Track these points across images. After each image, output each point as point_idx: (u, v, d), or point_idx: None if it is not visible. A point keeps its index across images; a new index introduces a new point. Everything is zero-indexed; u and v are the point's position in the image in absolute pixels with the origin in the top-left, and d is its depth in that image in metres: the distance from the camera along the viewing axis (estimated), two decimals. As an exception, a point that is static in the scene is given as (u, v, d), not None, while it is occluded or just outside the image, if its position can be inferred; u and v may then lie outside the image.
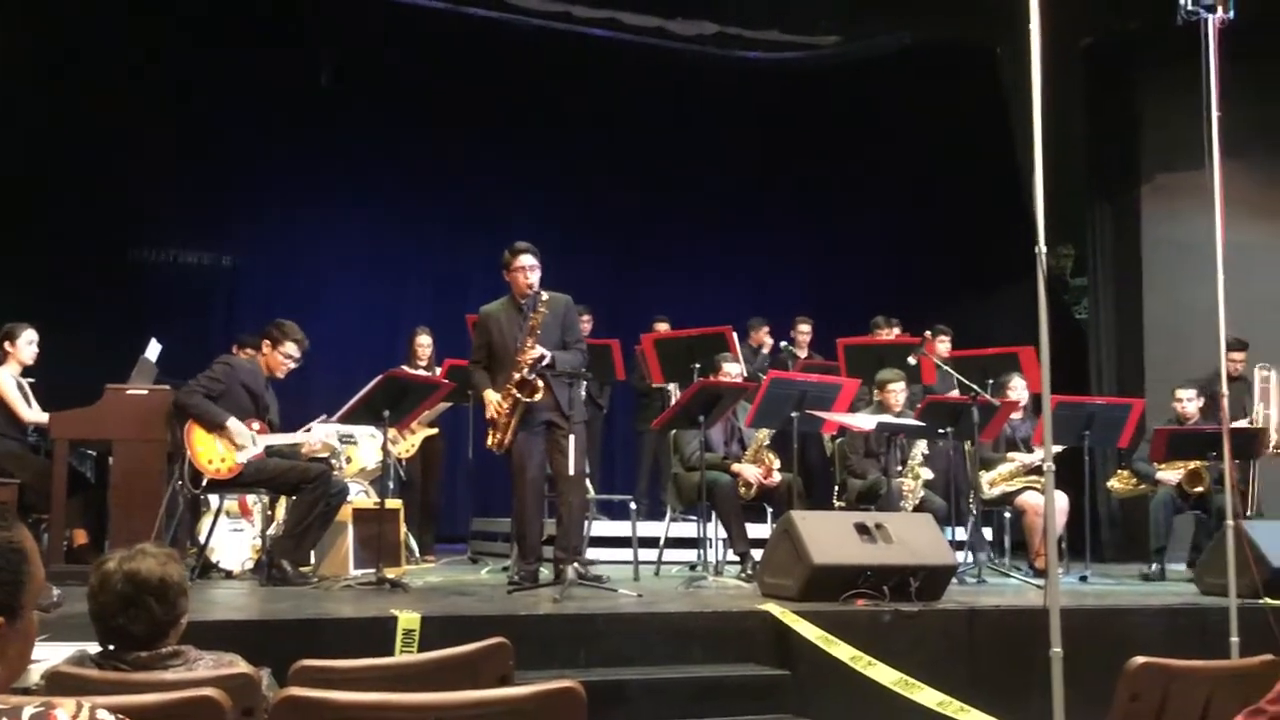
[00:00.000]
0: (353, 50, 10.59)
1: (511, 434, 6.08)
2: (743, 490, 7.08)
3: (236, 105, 10.30)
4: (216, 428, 6.07)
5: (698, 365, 7.75)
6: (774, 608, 5.15)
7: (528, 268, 6.18)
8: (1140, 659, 2.80)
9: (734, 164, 12.10)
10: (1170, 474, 7.85)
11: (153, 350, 6.99)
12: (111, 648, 2.66)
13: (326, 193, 10.87)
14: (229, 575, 6.77)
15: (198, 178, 10.36)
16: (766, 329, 9.78)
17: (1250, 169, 9.31)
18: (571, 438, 5.97)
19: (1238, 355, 8.14)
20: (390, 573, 5.95)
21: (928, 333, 8.08)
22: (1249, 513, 7.55)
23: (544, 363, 6.02)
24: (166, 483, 6.19)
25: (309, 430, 6.47)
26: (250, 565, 6.85)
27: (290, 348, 6.37)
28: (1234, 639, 4.58)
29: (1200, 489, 7.73)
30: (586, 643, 4.86)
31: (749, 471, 7.10)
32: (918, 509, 7.10)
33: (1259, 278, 7.88)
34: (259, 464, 6.17)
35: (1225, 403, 5.08)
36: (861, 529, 5.76)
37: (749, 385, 7.26)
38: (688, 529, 7.58)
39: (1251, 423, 7.97)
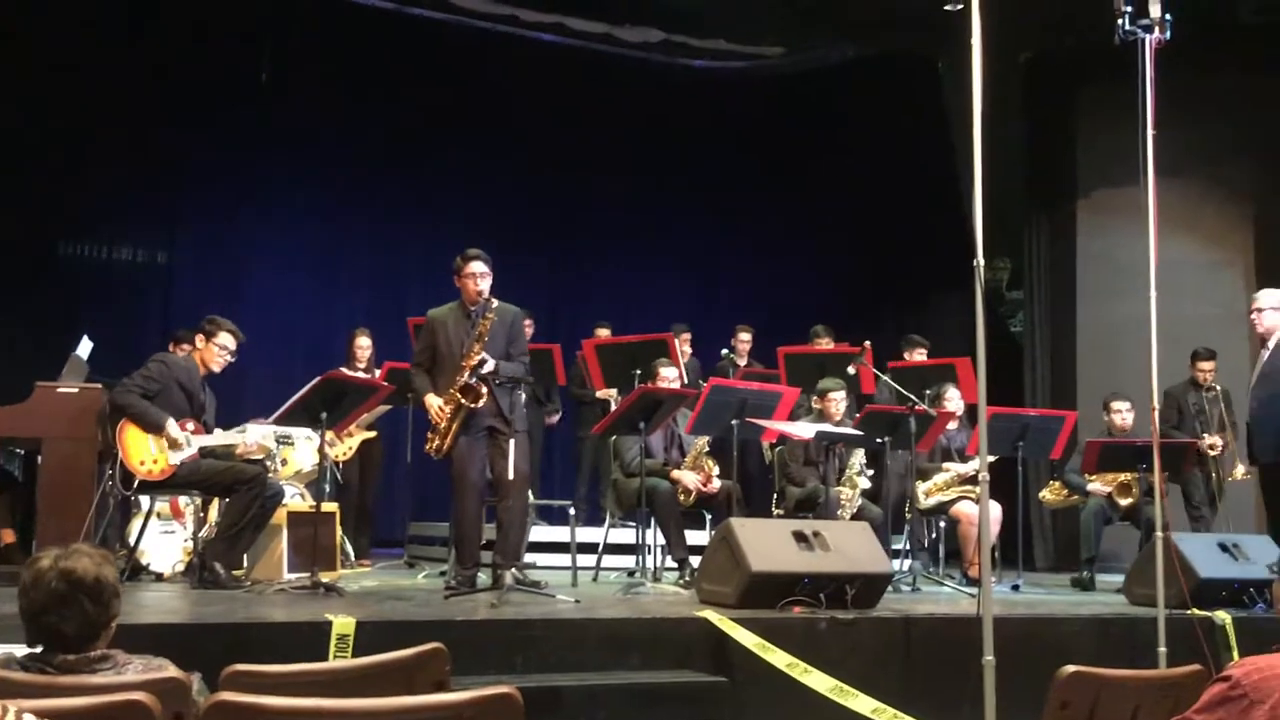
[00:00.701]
0: (293, 47, 10.48)
1: (451, 439, 6.04)
2: (682, 497, 7.09)
3: (173, 100, 10.14)
4: (154, 429, 5.97)
5: (638, 371, 7.75)
6: (711, 614, 5.16)
7: (478, 274, 6.15)
8: (1070, 668, 2.84)
9: (675, 171, 12.13)
10: (1101, 485, 7.99)
11: (84, 348, 6.86)
12: (40, 648, 2.61)
13: (263, 191, 10.75)
14: (159, 578, 6.65)
15: (132, 173, 10.18)
16: (687, 336, 9.78)
17: (1184, 187, 9.52)
18: (513, 443, 5.95)
19: (1207, 365, 8.26)
20: (325, 577, 5.88)
21: (866, 343, 8.14)
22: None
23: (486, 368, 5.99)
24: (97, 483, 6.07)
25: (244, 431, 6.39)
26: (181, 568, 6.74)
27: (225, 339, 6.29)
28: (1162, 649, 4.66)
29: (1130, 500, 7.87)
30: (523, 648, 4.83)
31: (688, 478, 7.12)
32: (855, 517, 7.16)
33: (1190, 294, 8.06)
34: (192, 465, 6.08)
35: (1156, 415, 5.17)
36: (799, 537, 5.79)
37: (690, 392, 7.28)
38: (626, 535, 7.58)
39: (1222, 437, 8.07)
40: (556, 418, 9.84)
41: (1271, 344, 7.52)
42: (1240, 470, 7.92)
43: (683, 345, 9.67)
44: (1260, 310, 7.57)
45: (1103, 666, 2.93)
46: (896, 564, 7.26)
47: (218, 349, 6.29)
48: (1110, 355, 9.75)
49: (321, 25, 10.41)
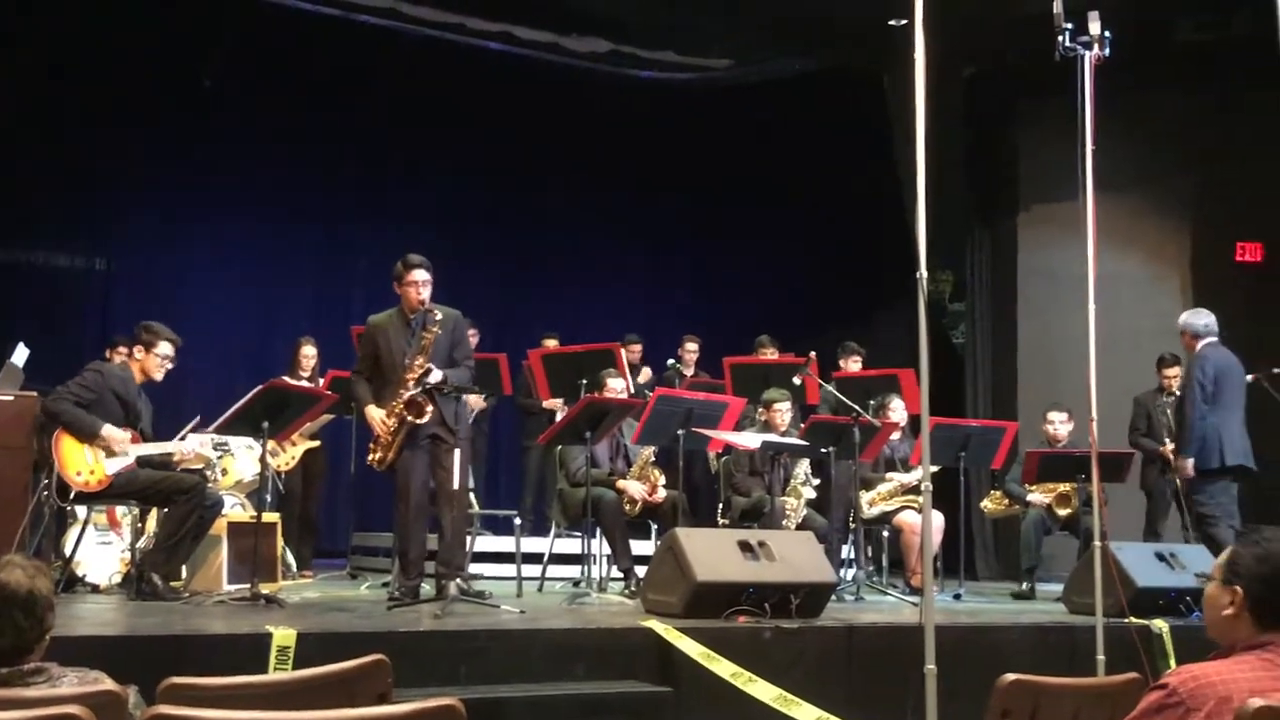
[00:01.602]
0: (238, 53, 10.36)
1: (395, 451, 6.00)
2: (627, 507, 7.09)
3: (113, 104, 10.00)
4: (89, 436, 5.88)
5: (584, 381, 7.74)
6: (657, 624, 5.16)
7: (420, 282, 6.09)
8: (1011, 676, 2.87)
9: (624, 182, 12.15)
10: (1041, 495, 8.09)
11: (20, 355, 6.74)
12: (-29, 663, 2.56)
13: (205, 197, 10.59)
14: (95, 589, 6.54)
15: (71, 177, 10.01)
16: (638, 347, 9.79)
17: (1122, 202, 9.67)
18: (456, 452, 5.92)
19: (1172, 371, 8.41)
20: (266, 588, 5.81)
21: (812, 353, 8.19)
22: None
23: (433, 379, 5.93)
24: (31, 493, 5.96)
25: (183, 439, 6.30)
26: (118, 579, 6.63)
27: (165, 348, 6.20)
28: (1100, 657, 4.72)
29: (1069, 510, 7.98)
30: (467, 660, 4.80)
31: (634, 488, 7.12)
32: (800, 527, 7.19)
33: (1128, 307, 8.20)
34: (130, 474, 5.98)
35: (1094, 426, 5.24)
36: (745, 546, 5.80)
37: (636, 402, 7.28)
38: (572, 545, 7.56)
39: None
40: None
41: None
42: None
43: (632, 356, 9.68)
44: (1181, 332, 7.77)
45: (1042, 674, 2.96)
46: (843, 573, 7.31)
47: (159, 359, 6.20)
48: (1050, 367, 9.88)
49: (266, 31, 10.30)
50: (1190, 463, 7.47)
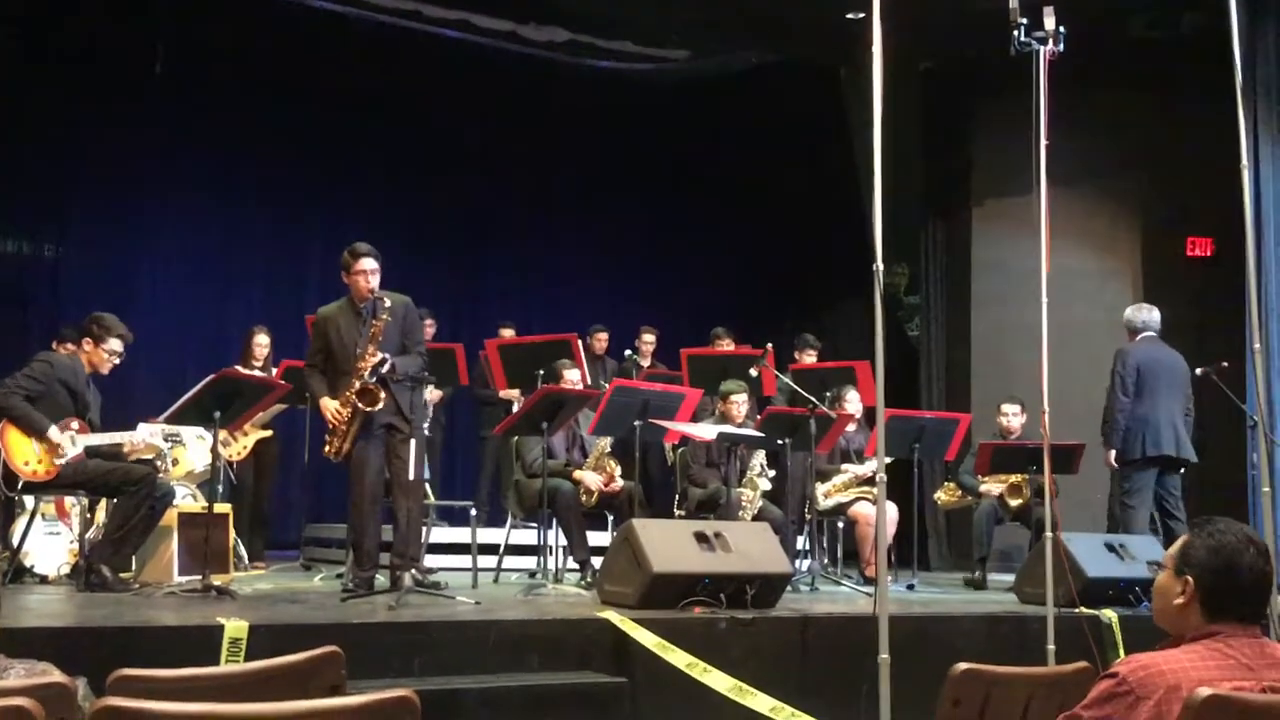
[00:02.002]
0: (190, 38, 10.22)
1: (350, 441, 5.95)
2: (584, 498, 7.09)
3: (64, 90, 9.83)
4: (36, 434, 5.79)
5: (541, 372, 7.73)
6: (613, 615, 5.16)
7: (369, 271, 6.05)
8: (963, 665, 2.89)
9: (580, 172, 12.14)
10: (993, 486, 8.17)
11: (-34, 343, 6.63)
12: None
13: (157, 184, 10.46)
14: (43, 580, 6.46)
15: (18, 161, 9.83)
16: (604, 336, 9.80)
17: (1075, 197, 9.76)
18: (411, 442, 5.89)
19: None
20: (217, 579, 5.76)
21: (769, 345, 8.22)
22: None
23: (385, 368, 5.90)
24: (-23, 483, 5.87)
25: (133, 429, 6.23)
26: (67, 570, 6.54)
27: (114, 344, 6.12)
28: (1051, 646, 4.77)
29: (1020, 501, 8.06)
30: (422, 651, 4.78)
31: (590, 479, 7.12)
32: (756, 518, 7.22)
33: (1080, 301, 8.28)
34: (79, 465, 5.91)
35: (1046, 419, 5.29)
36: (701, 537, 5.82)
37: (593, 393, 7.27)
38: (528, 536, 7.55)
39: None
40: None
41: None
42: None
43: (599, 346, 9.67)
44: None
45: (994, 664, 2.99)
46: (799, 564, 7.35)
47: (107, 354, 6.13)
48: (1003, 359, 9.97)
49: (219, 16, 10.16)
50: (1112, 454, 7.64)
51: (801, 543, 7.92)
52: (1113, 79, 9.79)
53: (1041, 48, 4.89)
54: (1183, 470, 7.78)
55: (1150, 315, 7.82)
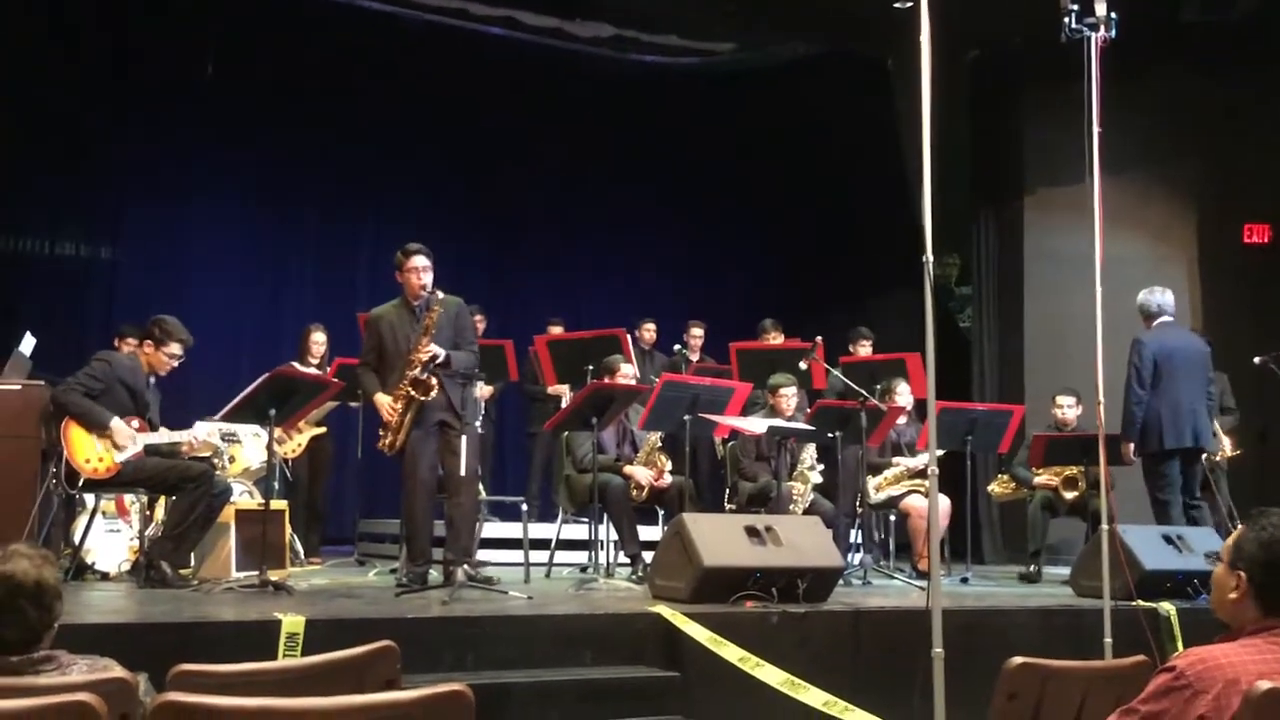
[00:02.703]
0: (240, 40, 10.34)
1: (404, 434, 6.01)
2: (634, 493, 7.10)
3: (118, 94, 10.00)
4: (98, 428, 5.89)
5: (591, 367, 7.74)
6: (664, 609, 5.17)
7: (420, 269, 6.12)
8: (1018, 659, 2.87)
9: (629, 166, 12.13)
10: (1048, 478, 8.08)
11: (27, 344, 6.75)
12: (-19, 651, 2.57)
13: (211, 185, 10.61)
14: (105, 577, 6.56)
15: (77, 168, 10.01)
16: (651, 326, 9.79)
17: (1128, 184, 9.63)
18: (464, 438, 5.93)
19: None
20: (274, 575, 5.82)
21: (818, 338, 8.18)
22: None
23: (438, 361, 5.96)
24: (40, 481, 5.98)
25: (192, 428, 6.32)
26: (127, 567, 6.64)
27: (175, 348, 6.22)
28: (1108, 639, 4.73)
29: (1076, 494, 7.97)
30: (474, 646, 4.81)
31: (641, 474, 7.12)
32: (807, 512, 7.19)
33: (1134, 290, 8.14)
34: (138, 462, 6.00)
35: (1101, 410, 5.23)
36: (751, 532, 5.81)
37: (642, 388, 7.28)
38: (579, 531, 7.57)
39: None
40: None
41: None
42: (1228, 446, 8.09)
43: (646, 338, 9.65)
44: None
45: (1049, 658, 2.97)
46: (850, 557, 7.31)
47: (167, 357, 6.22)
48: (1057, 350, 9.85)
49: (268, 18, 10.27)
50: (1130, 447, 7.50)
51: (854, 536, 7.87)
52: (1165, 64, 9.65)
53: (1093, 34, 4.83)
54: (1205, 456, 7.64)
55: (1165, 298, 7.64)
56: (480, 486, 7.43)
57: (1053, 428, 8.29)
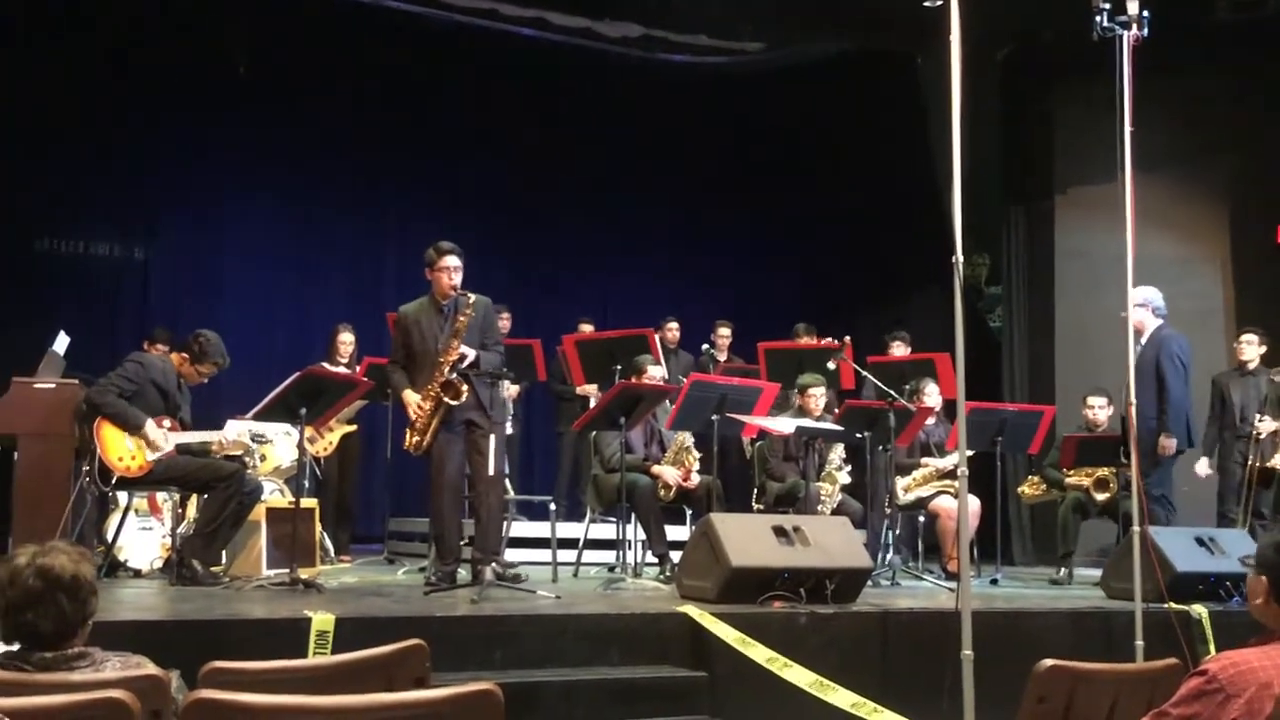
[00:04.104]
0: (271, 40, 10.41)
1: (431, 435, 6.03)
2: (662, 492, 7.09)
3: (152, 94, 10.07)
4: (133, 429, 5.95)
5: (619, 367, 7.75)
6: (691, 609, 5.17)
7: (452, 269, 6.12)
8: (1048, 661, 2.86)
9: (655, 167, 12.11)
10: (1079, 480, 8.03)
11: (61, 343, 6.82)
12: (17, 646, 2.60)
13: (242, 185, 10.68)
14: (137, 574, 6.63)
15: (110, 168, 10.10)
16: (675, 325, 9.78)
17: (1160, 184, 9.55)
18: (491, 438, 5.95)
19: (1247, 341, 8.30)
20: (304, 573, 5.86)
21: (847, 338, 8.16)
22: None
23: (466, 363, 5.97)
24: (74, 479, 6.04)
25: (223, 428, 6.38)
26: (159, 564, 6.71)
27: (209, 369, 6.29)
28: (1139, 642, 4.69)
29: (1107, 495, 7.91)
30: (503, 644, 4.83)
31: (669, 473, 7.12)
32: (835, 512, 7.17)
33: (1166, 290, 8.09)
34: (170, 461, 6.05)
35: (1133, 411, 5.20)
36: (779, 532, 5.80)
37: (670, 388, 7.28)
38: (607, 530, 7.58)
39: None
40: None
41: (1142, 340, 7.64)
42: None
43: (670, 338, 9.63)
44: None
45: (1080, 660, 2.95)
46: (879, 558, 7.28)
47: (199, 373, 6.31)
48: (1087, 350, 9.79)
49: (299, 18, 10.33)
50: (1174, 442, 7.51)
51: (883, 536, 7.84)
52: (1198, 62, 9.57)
53: (1124, 32, 4.80)
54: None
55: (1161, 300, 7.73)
56: (508, 485, 7.46)
57: (1083, 428, 8.23)
